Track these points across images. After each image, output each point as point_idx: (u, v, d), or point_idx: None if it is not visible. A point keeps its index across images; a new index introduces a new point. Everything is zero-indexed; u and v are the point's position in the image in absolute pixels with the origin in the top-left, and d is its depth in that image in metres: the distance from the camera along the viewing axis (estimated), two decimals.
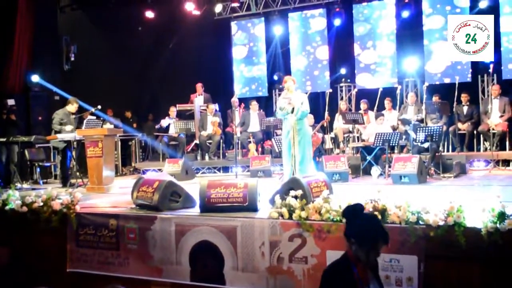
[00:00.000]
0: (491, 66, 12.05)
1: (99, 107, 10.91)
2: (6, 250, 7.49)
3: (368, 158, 10.50)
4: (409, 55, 13.50)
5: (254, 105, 13.58)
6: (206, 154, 13.27)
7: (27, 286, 6.60)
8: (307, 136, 8.50)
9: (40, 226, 7.10)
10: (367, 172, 10.63)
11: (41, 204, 7.09)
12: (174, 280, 6.27)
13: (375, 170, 10.40)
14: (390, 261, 5.16)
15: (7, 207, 7.31)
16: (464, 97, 11.86)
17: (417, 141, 10.33)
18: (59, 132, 10.29)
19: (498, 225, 4.76)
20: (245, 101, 14.64)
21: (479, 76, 13.12)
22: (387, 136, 10.26)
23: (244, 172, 11.98)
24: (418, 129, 10.31)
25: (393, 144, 10.60)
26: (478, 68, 12.84)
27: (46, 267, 7.06)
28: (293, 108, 8.25)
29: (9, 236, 7.42)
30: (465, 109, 11.94)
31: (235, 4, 15.37)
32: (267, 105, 15.60)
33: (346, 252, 3.52)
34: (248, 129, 13.33)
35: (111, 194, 8.97)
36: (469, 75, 12.83)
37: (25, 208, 7.14)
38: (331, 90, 13.78)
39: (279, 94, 15.29)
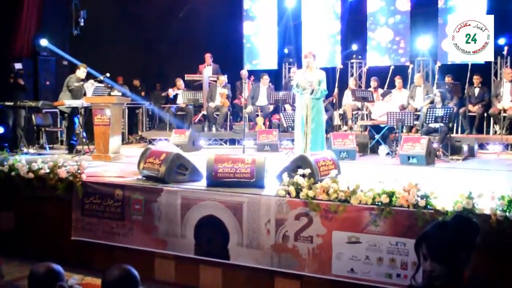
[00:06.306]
0: (505, 48, 11.86)
1: (108, 74, 10.83)
2: (12, 215, 7.51)
3: (377, 137, 10.43)
4: (422, 33, 13.24)
5: (265, 79, 13.43)
6: (213, 125, 13.19)
7: (31, 254, 6.64)
8: (320, 114, 8.37)
9: (45, 193, 7.12)
10: (374, 151, 10.57)
11: (48, 171, 7.08)
12: (178, 253, 6.28)
13: (383, 149, 10.34)
14: (396, 244, 5.15)
15: (13, 173, 7.31)
16: (476, 79, 11.74)
17: (427, 121, 10.21)
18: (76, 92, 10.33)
19: (508, 213, 4.72)
20: (254, 74, 14.51)
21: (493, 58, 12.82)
22: (401, 115, 10.16)
23: (252, 145, 11.90)
24: (429, 109, 10.19)
25: (410, 125, 10.58)
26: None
27: (50, 234, 7.08)
28: (312, 90, 8.14)
29: (14, 202, 7.44)
30: (476, 91, 11.82)
31: None
32: (276, 78, 15.43)
33: None
34: (257, 103, 13.23)
35: (117, 163, 8.94)
36: None
37: (31, 175, 7.13)
38: (341, 66, 13.64)
39: (289, 68, 15.18)
